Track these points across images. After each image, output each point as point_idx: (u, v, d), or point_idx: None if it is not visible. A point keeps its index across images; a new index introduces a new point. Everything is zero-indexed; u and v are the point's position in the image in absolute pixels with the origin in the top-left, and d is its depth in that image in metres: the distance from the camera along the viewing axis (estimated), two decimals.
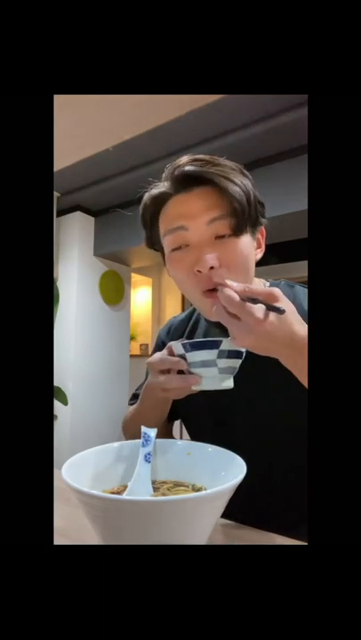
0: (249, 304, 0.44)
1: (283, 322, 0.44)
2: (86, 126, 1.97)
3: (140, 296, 4.51)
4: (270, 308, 0.44)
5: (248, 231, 0.60)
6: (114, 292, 3.26)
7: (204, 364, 0.51)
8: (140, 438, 0.55)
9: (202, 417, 0.72)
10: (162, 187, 0.61)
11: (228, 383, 0.53)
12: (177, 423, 0.90)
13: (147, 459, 0.52)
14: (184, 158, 0.60)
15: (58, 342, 2.87)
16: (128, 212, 0.71)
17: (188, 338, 0.77)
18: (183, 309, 4.18)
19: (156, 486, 0.51)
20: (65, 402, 2.67)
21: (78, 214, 3.00)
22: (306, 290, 0.69)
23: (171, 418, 0.81)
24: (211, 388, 0.53)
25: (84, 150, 2.23)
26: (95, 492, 0.36)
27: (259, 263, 0.67)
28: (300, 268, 3.00)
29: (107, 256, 3.15)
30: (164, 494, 0.49)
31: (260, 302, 0.44)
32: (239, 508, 0.50)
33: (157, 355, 0.58)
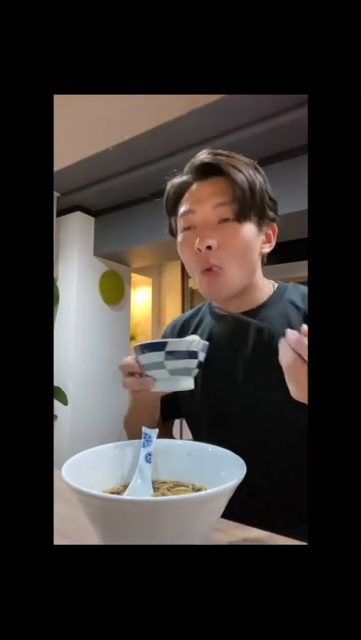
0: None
1: None
2: (86, 126, 1.97)
3: (140, 296, 4.51)
4: None
5: (252, 220, 0.64)
6: (114, 291, 3.26)
7: (154, 365, 0.51)
8: (139, 437, 0.55)
9: (200, 416, 0.73)
10: (183, 176, 0.68)
11: (186, 384, 0.52)
12: (176, 423, 0.90)
13: (147, 459, 0.52)
14: (204, 151, 0.66)
15: (58, 342, 2.87)
16: (156, 199, 0.76)
17: (193, 334, 0.78)
18: (183, 309, 4.20)
19: (156, 486, 0.51)
20: (65, 402, 2.67)
21: (78, 214, 3.00)
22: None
23: (170, 417, 0.81)
24: (167, 390, 0.54)
25: (84, 150, 2.24)
26: (95, 492, 0.36)
27: None
28: (301, 268, 2.99)
29: (107, 256, 3.14)
30: (164, 494, 0.49)
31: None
32: (239, 507, 0.50)
33: (127, 357, 0.59)
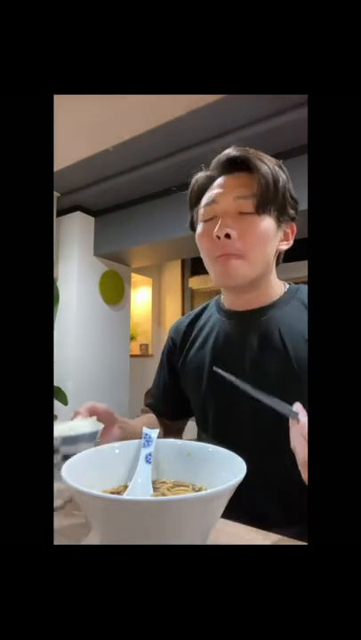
0: None
1: None
2: (86, 126, 1.97)
3: (140, 296, 4.51)
4: None
5: (272, 215, 0.65)
6: (114, 291, 3.26)
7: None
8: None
9: (204, 415, 0.73)
10: (208, 171, 0.70)
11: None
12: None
13: (147, 459, 0.52)
14: (231, 147, 0.68)
15: (58, 342, 2.87)
16: (181, 192, 0.78)
17: (199, 331, 0.79)
18: (183, 309, 4.20)
19: (156, 486, 0.51)
20: (65, 402, 2.67)
21: (78, 214, 3.00)
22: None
23: (181, 415, 0.82)
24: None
25: (84, 150, 2.24)
26: (95, 492, 0.36)
27: None
28: (301, 268, 2.99)
29: (107, 256, 3.15)
30: (163, 494, 0.49)
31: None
32: (239, 507, 0.50)
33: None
